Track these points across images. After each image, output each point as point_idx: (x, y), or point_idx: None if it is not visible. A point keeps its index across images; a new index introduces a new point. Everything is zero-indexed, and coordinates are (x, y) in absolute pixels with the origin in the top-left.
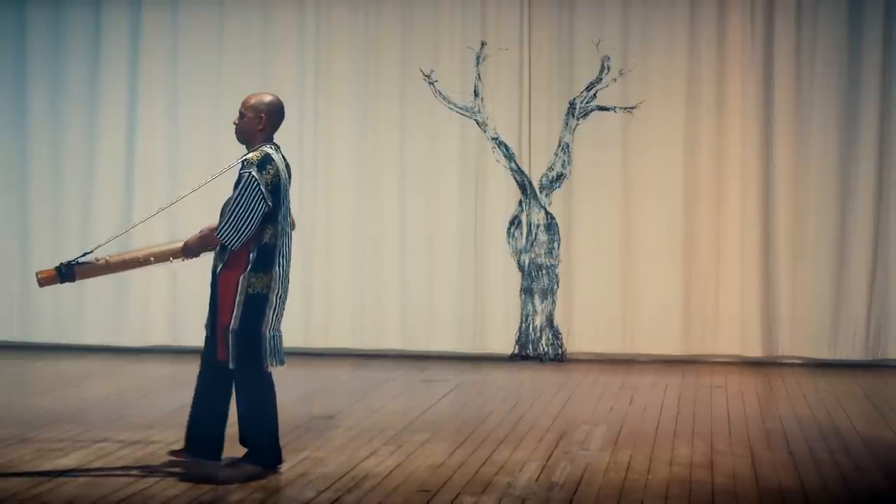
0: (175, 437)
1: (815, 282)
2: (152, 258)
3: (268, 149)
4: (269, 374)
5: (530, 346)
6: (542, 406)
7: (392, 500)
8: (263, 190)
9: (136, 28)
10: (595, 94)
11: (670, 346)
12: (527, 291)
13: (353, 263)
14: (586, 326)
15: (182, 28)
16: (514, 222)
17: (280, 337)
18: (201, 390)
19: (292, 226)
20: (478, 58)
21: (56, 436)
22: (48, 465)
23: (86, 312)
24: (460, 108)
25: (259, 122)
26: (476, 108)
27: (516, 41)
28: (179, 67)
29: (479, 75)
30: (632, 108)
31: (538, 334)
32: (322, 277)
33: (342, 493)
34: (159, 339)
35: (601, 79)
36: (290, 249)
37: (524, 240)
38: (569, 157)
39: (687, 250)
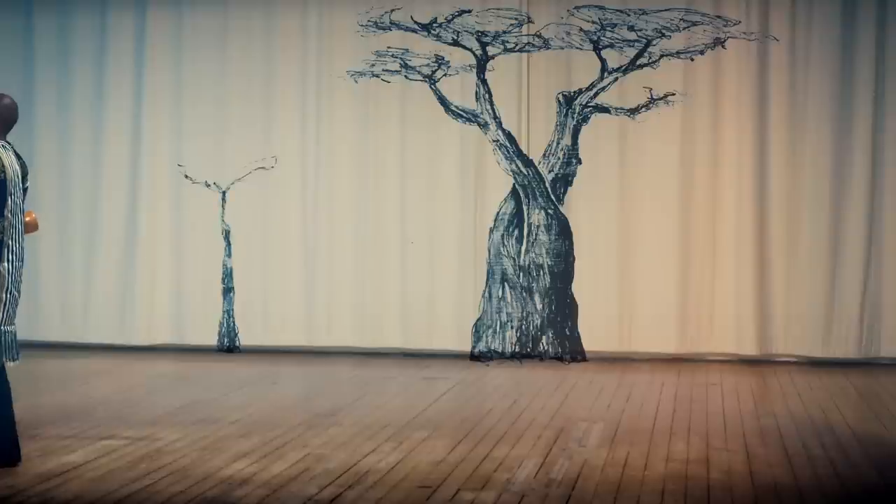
0: (178, 434)
1: (808, 281)
2: None
3: None
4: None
5: (530, 345)
6: (540, 403)
7: (393, 495)
8: None
9: (141, 33)
10: (594, 96)
11: (667, 345)
12: (527, 291)
13: (354, 262)
14: (584, 325)
15: (186, 33)
16: (515, 223)
17: (13, 332)
18: None
19: (35, 227)
20: (478, 59)
21: (62, 433)
22: (54, 462)
23: (92, 311)
24: (461, 110)
25: None
26: (477, 110)
27: (516, 42)
28: (183, 70)
29: (479, 77)
30: (630, 110)
31: (538, 333)
32: (323, 276)
33: (344, 488)
34: (164, 338)
35: (601, 80)
36: (20, 245)
37: (525, 240)
38: (569, 158)
39: (683, 250)
